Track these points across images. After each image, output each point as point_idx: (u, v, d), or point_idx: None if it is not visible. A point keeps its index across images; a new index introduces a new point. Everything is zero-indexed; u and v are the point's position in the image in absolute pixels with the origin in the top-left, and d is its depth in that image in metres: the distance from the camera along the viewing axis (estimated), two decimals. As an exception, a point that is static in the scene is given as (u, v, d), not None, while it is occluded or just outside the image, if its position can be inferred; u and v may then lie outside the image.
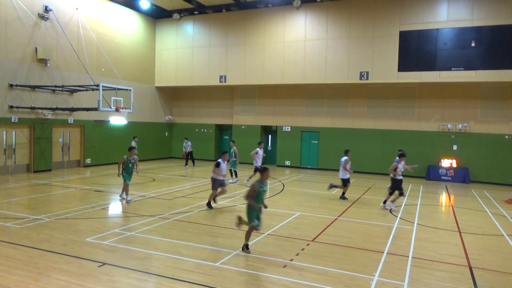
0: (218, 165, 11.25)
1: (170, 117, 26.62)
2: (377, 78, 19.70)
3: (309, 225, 9.69)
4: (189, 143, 22.56)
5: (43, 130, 18.20)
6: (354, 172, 21.46)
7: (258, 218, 7.45)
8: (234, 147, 16.66)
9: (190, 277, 6.15)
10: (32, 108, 17.32)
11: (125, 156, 11.87)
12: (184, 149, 22.62)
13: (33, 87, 17.33)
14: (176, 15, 24.04)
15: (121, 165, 11.87)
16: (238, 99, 24.85)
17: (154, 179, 16.87)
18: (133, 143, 19.75)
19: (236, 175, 16.66)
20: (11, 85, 16.66)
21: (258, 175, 7.57)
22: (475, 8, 17.86)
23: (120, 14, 22.38)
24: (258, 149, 16.05)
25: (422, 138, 20.31)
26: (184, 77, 24.47)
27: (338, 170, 13.56)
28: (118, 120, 21.60)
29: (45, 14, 17.89)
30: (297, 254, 7.41)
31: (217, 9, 23.13)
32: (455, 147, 19.63)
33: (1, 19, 16.29)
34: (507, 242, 8.81)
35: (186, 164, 22.43)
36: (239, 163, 18.62)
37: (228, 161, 13.56)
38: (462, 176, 19.14)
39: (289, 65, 21.61)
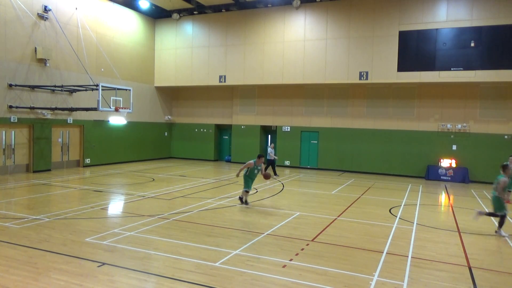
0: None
1: (169, 117, 26.60)
2: (376, 78, 19.70)
3: (308, 225, 9.69)
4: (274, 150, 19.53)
5: (43, 130, 18.18)
6: (354, 172, 21.62)
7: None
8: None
9: (190, 277, 6.15)
10: (32, 108, 17.30)
11: (252, 161, 11.66)
12: (270, 155, 18.98)
13: (33, 87, 17.31)
14: (175, 15, 24.02)
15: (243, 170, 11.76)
16: (238, 99, 24.84)
17: (153, 179, 16.86)
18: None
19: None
20: (10, 85, 16.64)
21: None
22: (475, 8, 17.87)
23: (120, 14, 22.37)
24: None
25: (422, 138, 20.31)
26: (184, 77, 24.45)
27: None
28: (117, 120, 21.59)
29: (44, 14, 17.87)
30: (297, 254, 7.41)
31: (216, 9, 23.12)
32: (454, 147, 19.64)
33: (0, 19, 16.26)
34: (507, 242, 8.81)
35: (275, 174, 19.12)
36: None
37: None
38: (461, 176, 19.14)
39: (288, 65, 21.60)
